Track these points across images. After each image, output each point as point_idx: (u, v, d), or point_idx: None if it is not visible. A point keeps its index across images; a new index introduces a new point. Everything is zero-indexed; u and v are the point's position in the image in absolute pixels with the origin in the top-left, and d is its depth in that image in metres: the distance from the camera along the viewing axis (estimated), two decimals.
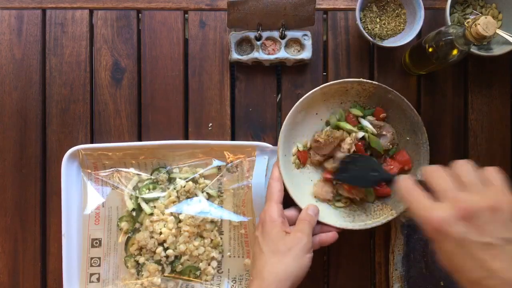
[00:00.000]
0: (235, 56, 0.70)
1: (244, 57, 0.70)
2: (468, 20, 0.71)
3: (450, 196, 0.44)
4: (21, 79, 0.72)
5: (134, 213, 0.67)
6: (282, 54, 0.70)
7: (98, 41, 0.72)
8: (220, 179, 0.69)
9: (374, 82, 0.64)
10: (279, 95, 0.74)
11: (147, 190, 0.67)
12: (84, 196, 0.68)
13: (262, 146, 0.68)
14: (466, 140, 0.73)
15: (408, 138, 0.67)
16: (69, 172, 0.68)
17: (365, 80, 0.65)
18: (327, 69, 0.73)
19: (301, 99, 0.64)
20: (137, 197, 0.67)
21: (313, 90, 0.64)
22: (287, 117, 0.65)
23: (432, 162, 0.64)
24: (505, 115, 0.73)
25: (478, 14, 0.71)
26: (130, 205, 0.67)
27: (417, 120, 0.65)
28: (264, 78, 0.73)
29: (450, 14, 0.70)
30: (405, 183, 0.48)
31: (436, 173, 0.47)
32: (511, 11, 0.69)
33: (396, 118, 0.67)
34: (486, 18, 0.52)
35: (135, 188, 0.68)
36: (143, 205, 0.67)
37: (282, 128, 0.65)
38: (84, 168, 0.69)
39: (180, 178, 0.68)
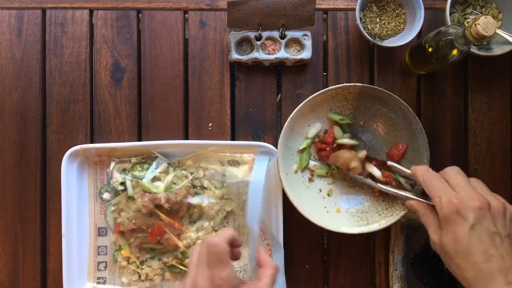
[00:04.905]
0: (235, 56, 0.70)
1: (244, 57, 0.70)
2: (468, 20, 0.71)
3: (468, 190, 0.52)
4: (21, 79, 0.72)
5: (123, 187, 0.67)
6: (282, 54, 0.70)
7: (98, 41, 0.72)
8: (219, 179, 0.69)
9: (357, 84, 0.64)
10: (279, 95, 0.74)
11: (139, 167, 0.67)
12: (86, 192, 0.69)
13: (262, 146, 0.68)
14: (466, 140, 0.73)
15: (404, 130, 0.67)
16: (69, 172, 0.68)
17: (347, 84, 0.64)
18: (327, 69, 0.73)
19: (288, 119, 0.64)
20: (127, 171, 0.67)
21: (299, 106, 0.64)
22: (280, 140, 0.64)
23: (432, 162, 0.64)
24: (505, 115, 0.73)
25: (478, 14, 0.71)
26: (118, 177, 0.67)
27: (408, 111, 0.65)
28: (264, 78, 0.73)
29: (450, 14, 0.70)
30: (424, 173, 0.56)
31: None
32: (511, 11, 0.69)
33: (388, 112, 0.67)
34: (486, 18, 0.52)
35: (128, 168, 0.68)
36: (128, 183, 0.66)
37: (278, 147, 0.64)
38: (84, 168, 0.69)
39: (182, 169, 0.68)
